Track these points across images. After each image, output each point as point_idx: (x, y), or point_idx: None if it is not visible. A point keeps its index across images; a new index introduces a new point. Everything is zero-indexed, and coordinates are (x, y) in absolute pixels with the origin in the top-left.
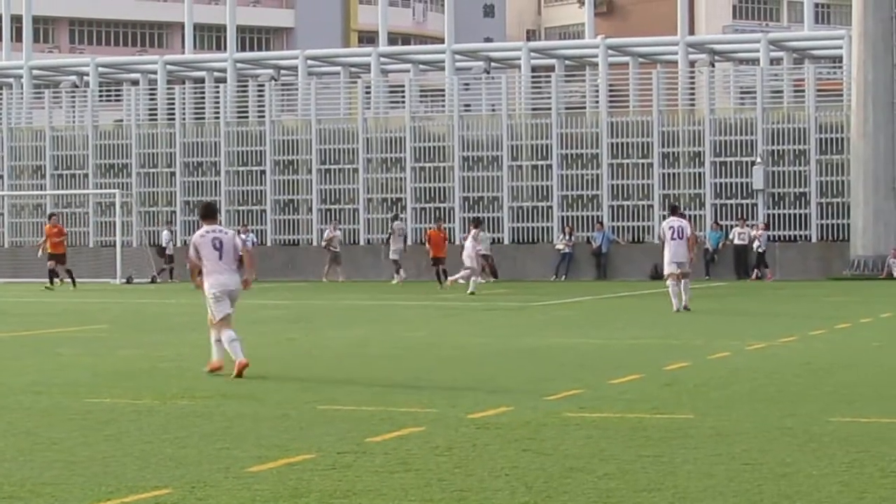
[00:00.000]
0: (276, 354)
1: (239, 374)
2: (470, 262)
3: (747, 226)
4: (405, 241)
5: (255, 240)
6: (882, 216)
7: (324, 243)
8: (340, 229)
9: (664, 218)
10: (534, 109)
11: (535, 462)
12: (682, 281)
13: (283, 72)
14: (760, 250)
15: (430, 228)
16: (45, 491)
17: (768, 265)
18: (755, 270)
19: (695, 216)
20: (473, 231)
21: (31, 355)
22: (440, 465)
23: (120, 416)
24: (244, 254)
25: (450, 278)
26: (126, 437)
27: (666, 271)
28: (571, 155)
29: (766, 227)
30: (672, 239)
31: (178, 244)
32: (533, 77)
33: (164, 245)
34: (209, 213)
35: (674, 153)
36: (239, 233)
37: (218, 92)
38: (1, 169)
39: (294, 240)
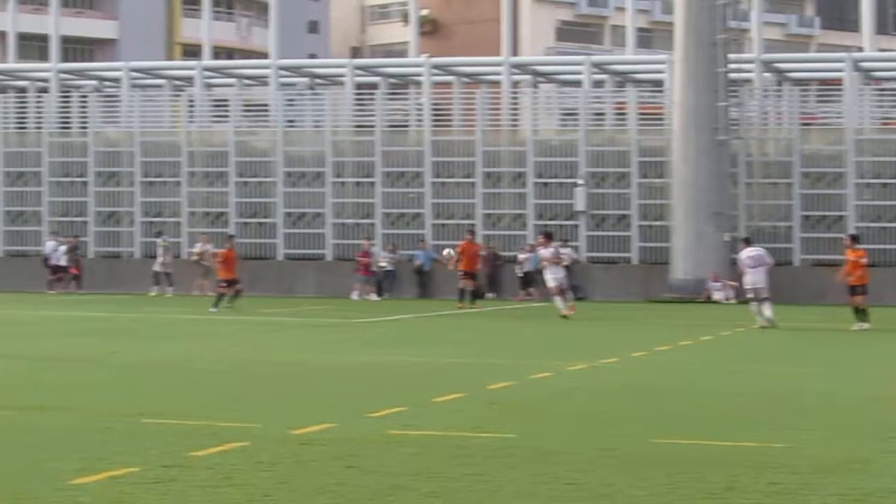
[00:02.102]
0: (99, 367)
1: None
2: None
3: (569, 247)
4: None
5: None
6: (702, 240)
7: (195, 258)
8: (211, 242)
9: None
10: (357, 126)
11: (358, 479)
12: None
13: (106, 83)
14: (520, 273)
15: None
16: None
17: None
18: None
19: (516, 237)
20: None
21: None
22: (264, 480)
23: None
24: None
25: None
26: None
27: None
28: (395, 173)
29: (532, 249)
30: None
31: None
32: (357, 94)
33: (47, 254)
34: None
35: (497, 173)
36: (60, 243)
37: (41, 102)
38: None
39: (116, 252)
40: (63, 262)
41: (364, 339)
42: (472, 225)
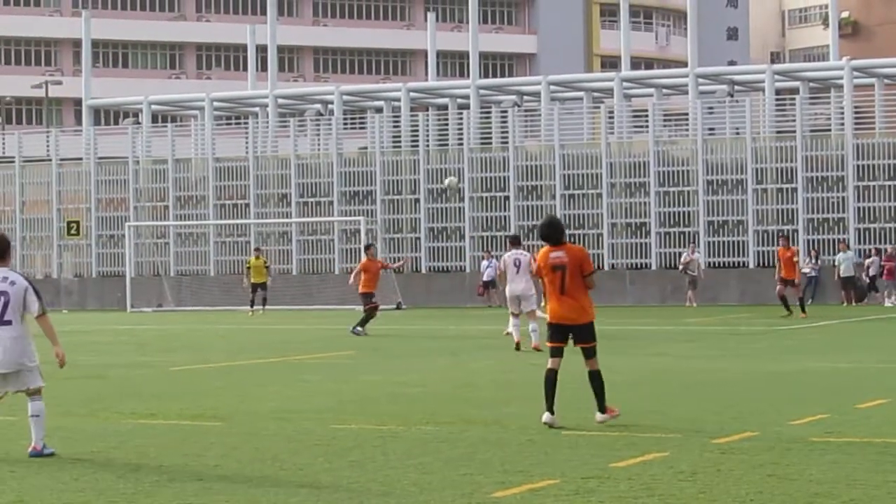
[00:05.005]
0: (520, 380)
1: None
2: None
3: None
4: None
5: (498, 265)
6: None
7: (681, 267)
8: (699, 252)
9: None
10: (778, 132)
11: (779, 487)
12: None
13: (525, 97)
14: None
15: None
16: None
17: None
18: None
19: None
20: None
21: (276, 382)
22: (684, 490)
23: (364, 442)
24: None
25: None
26: (370, 463)
27: None
28: (816, 178)
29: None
30: None
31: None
32: (777, 100)
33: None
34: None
35: None
36: (483, 258)
37: (461, 118)
38: (247, 197)
39: None
40: None
41: (787, 346)
42: (787, 230)
